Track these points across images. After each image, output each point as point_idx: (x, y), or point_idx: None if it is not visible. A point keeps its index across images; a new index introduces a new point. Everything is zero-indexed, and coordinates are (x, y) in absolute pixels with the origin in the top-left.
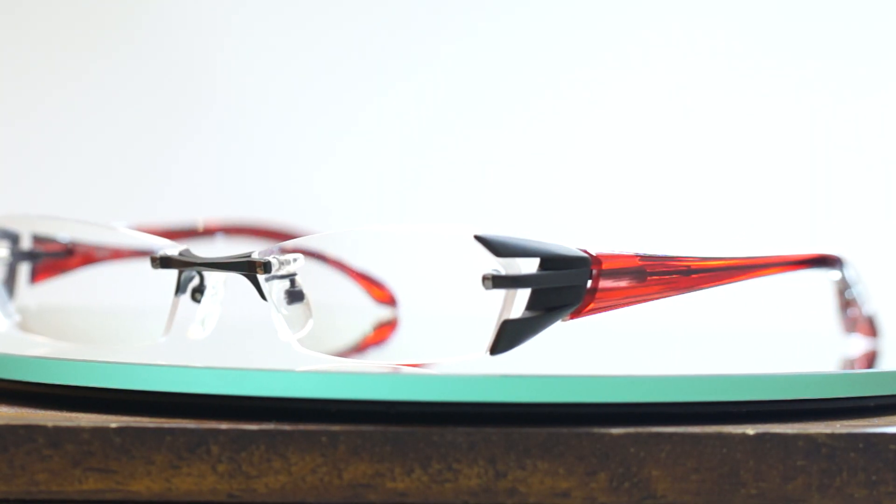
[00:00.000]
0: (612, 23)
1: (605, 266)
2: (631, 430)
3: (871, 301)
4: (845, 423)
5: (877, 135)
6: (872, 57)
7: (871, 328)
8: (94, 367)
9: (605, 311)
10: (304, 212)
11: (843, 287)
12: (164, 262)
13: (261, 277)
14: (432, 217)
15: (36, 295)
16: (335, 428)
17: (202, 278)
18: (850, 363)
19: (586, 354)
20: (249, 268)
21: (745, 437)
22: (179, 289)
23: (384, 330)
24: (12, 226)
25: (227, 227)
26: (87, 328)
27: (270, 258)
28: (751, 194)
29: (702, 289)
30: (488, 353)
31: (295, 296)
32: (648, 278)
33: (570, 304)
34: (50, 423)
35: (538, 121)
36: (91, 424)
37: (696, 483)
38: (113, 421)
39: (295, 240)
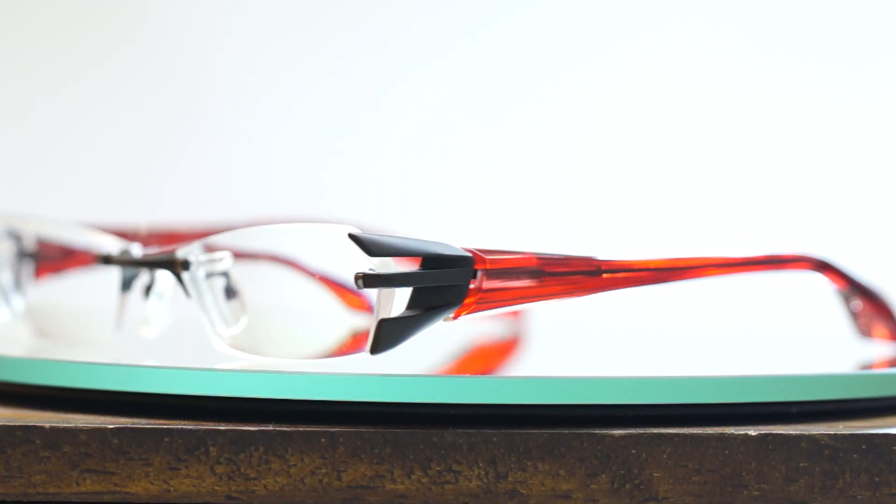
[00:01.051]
0: (611, 23)
1: (490, 266)
2: (632, 431)
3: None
4: (848, 424)
5: (877, 135)
6: (873, 57)
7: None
8: (92, 368)
9: (494, 309)
10: (304, 211)
11: (844, 294)
12: (104, 260)
13: (185, 275)
14: (430, 218)
15: (35, 294)
16: (334, 429)
17: (152, 277)
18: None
19: (586, 355)
20: (171, 265)
21: (746, 438)
22: (124, 286)
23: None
24: (17, 224)
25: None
26: (46, 326)
27: (191, 256)
28: (750, 194)
29: (616, 289)
30: (369, 352)
31: (229, 293)
32: (546, 278)
33: (452, 303)
34: (47, 425)
35: (537, 121)
36: (88, 426)
37: (698, 485)
38: (110, 422)
39: (207, 237)
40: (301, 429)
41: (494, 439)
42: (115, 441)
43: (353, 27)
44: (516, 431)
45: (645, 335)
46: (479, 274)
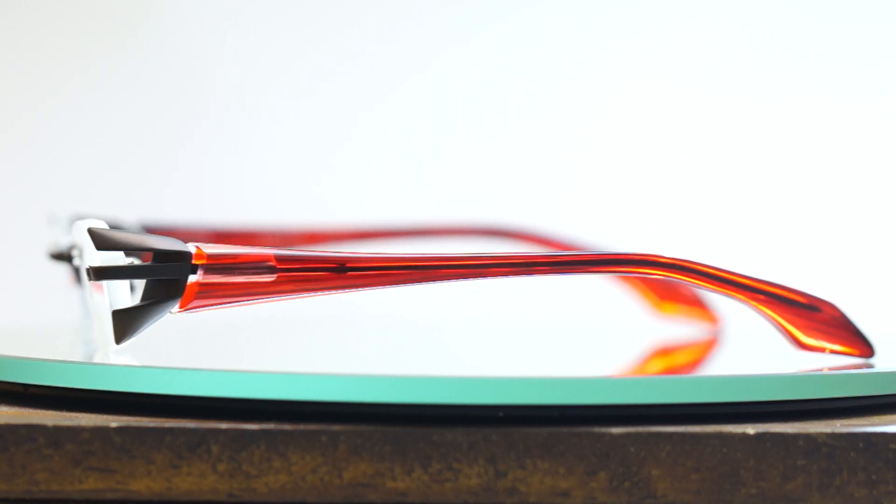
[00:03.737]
0: (611, 23)
1: (209, 261)
2: (631, 429)
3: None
4: (845, 422)
5: (877, 136)
6: (874, 58)
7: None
8: (95, 369)
9: (223, 304)
10: (306, 210)
11: None
12: (56, 257)
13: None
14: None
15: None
16: (335, 427)
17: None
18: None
19: (586, 355)
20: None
21: (745, 436)
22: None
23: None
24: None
25: (463, 228)
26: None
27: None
28: (751, 194)
29: (363, 287)
30: (115, 342)
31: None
32: (282, 275)
33: (174, 296)
34: (50, 423)
35: (537, 121)
36: (91, 424)
37: (697, 482)
38: (113, 420)
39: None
40: (302, 427)
41: (494, 437)
42: (118, 439)
43: (354, 25)
44: (516, 429)
45: (644, 335)
46: (200, 269)
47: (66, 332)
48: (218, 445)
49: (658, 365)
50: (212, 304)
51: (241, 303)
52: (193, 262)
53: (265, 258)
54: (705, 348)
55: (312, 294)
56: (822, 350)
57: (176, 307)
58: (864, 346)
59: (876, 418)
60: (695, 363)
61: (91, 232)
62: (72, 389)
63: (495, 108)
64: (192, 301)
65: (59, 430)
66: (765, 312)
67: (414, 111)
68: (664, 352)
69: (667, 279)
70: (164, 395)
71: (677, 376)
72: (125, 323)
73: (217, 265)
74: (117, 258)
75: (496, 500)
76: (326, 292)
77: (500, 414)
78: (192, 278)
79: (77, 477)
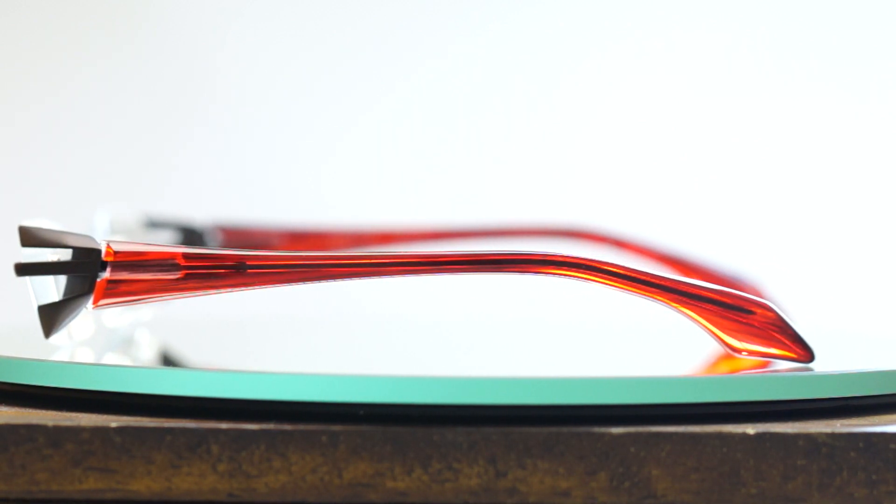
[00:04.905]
0: (610, 23)
1: (116, 258)
2: (631, 429)
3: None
4: (845, 422)
5: (878, 136)
6: (874, 58)
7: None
8: (95, 369)
9: (134, 300)
10: (307, 209)
11: None
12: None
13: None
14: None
15: None
16: (335, 427)
17: None
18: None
19: (586, 355)
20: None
21: (745, 436)
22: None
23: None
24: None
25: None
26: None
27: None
28: (752, 193)
29: (263, 286)
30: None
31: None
32: (186, 272)
33: (87, 292)
34: (50, 423)
35: (537, 120)
36: (91, 424)
37: (697, 482)
38: (113, 420)
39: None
40: (302, 427)
41: (494, 437)
42: (118, 439)
43: (355, 24)
44: (516, 429)
45: (644, 334)
46: (109, 266)
47: (64, 332)
48: (218, 445)
49: (725, 367)
50: (123, 301)
51: (151, 299)
52: (104, 259)
53: (172, 256)
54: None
55: (216, 291)
56: (755, 354)
57: (90, 303)
58: (801, 350)
59: (876, 418)
60: (760, 367)
61: (19, 229)
62: (72, 390)
63: (495, 107)
64: (102, 297)
65: (59, 430)
66: (688, 315)
67: (412, 111)
68: (727, 355)
69: (574, 279)
70: (164, 396)
71: (677, 376)
72: (50, 317)
73: (125, 262)
74: (41, 254)
75: (496, 500)
76: (229, 290)
77: (361, 412)
78: (102, 275)
79: (77, 477)
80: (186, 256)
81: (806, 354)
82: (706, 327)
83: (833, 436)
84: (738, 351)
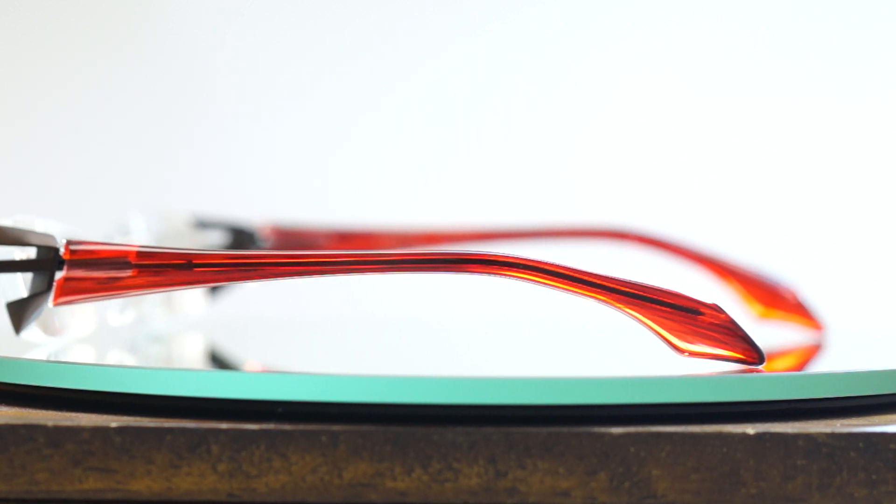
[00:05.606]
0: (611, 23)
1: (72, 256)
2: (631, 429)
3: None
4: (845, 422)
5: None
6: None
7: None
8: (95, 370)
9: (92, 298)
10: (307, 208)
11: None
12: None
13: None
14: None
15: None
16: (335, 427)
17: None
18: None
19: (586, 355)
20: None
21: (745, 436)
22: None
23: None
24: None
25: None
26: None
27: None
28: (752, 193)
29: (209, 283)
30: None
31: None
32: (136, 270)
33: (47, 289)
34: (50, 423)
35: (537, 120)
36: (91, 424)
37: (697, 482)
38: (113, 420)
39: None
40: (302, 427)
41: (494, 437)
42: (118, 439)
43: (357, 23)
44: (516, 429)
45: (642, 334)
46: (66, 264)
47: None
48: (218, 445)
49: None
50: (81, 298)
51: (108, 296)
52: (63, 258)
53: (124, 254)
54: (809, 353)
55: (167, 288)
56: (701, 356)
57: (51, 299)
58: (750, 352)
59: (876, 418)
60: (801, 367)
61: None
62: (72, 390)
63: (496, 106)
64: (60, 294)
65: (59, 430)
66: (633, 315)
67: (413, 110)
68: (769, 356)
69: (516, 280)
70: (164, 396)
71: (677, 376)
72: (18, 314)
73: (81, 261)
74: (10, 253)
75: (496, 500)
76: (178, 287)
77: (280, 410)
78: (61, 273)
79: (77, 477)
80: (139, 255)
81: (755, 357)
82: (651, 328)
83: (833, 436)
84: (682, 351)
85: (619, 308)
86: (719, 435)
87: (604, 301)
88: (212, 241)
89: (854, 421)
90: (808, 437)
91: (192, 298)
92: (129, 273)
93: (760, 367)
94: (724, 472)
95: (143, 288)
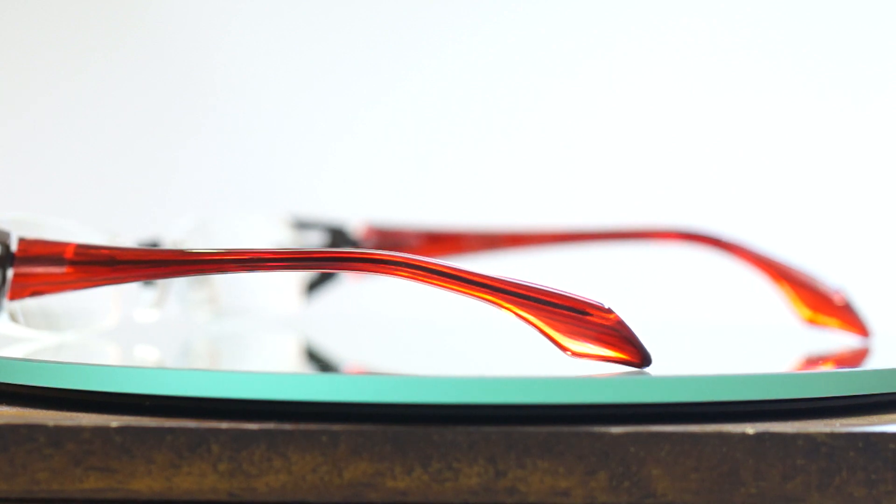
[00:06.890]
0: (610, 24)
1: (21, 254)
2: (631, 429)
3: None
4: (845, 421)
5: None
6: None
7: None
8: (96, 370)
9: (42, 293)
10: (308, 208)
11: None
12: None
13: None
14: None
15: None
16: (336, 427)
17: None
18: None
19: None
20: None
21: (744, 436)
22: None
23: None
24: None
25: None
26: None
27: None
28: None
29: (131, 281)
30: None
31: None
32: (69, 267)
33: (2, 285)
34: (51, 423)
35: (538, 120)
36: (92, 424)
37: (696, 482)
38: (114, 420)
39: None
40: (302, 427)
41: (494, 437)
42: (118, 439)
43: (358, 23)
44: (516, 429)
45: (644, 333)
46: (16, 261)
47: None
48: (218, 445)
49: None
50: (32, 294)
51: (57, 292)
52: (16, 254)
53: (61, 251)
54: (857, 357)
55: (101, 284)
56: (589, 356)
57: (5, 295)
58: (636, 353)
59: (875, 418)
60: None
61: None
62: (72, 390)
63: (496, 106)
64: (12, 290)
65: (59, 430)
66: (520, 315)
67: (413, 110)
68: (817, 360)
69: (401, 279)
70: (164, 396)
71: (677, 376)
72: None
73: (27, 257)
74: None
75: (496, 499)
76: (108, 283)
77: (147, 403)
78: (12, 270)
79: (77, 476)
80: (76, 252)
81: (640, 358)
82: (538, 327)
83: (832, 435)
84: (568, 351)
85: (506, 308)
86: (719, 434)
87: (491, 301)
88: (311, 241)
89: (853, 421)
90: (808, 437)
91: (271, 297)
92: (64, 269)
93: (646, 370)
94: (724, 472)
95: (79, 285)
